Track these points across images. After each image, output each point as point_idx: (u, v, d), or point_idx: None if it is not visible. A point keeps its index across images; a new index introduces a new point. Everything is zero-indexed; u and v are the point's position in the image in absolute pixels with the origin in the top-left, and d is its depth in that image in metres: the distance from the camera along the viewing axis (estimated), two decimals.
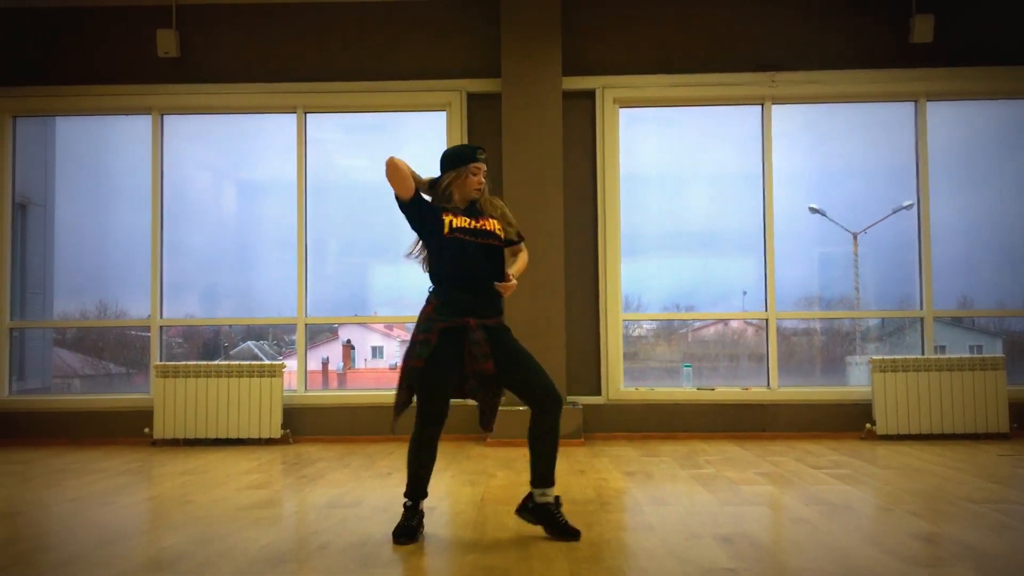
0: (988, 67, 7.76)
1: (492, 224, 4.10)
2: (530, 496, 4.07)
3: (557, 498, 4.05)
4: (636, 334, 8.27)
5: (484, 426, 4.21)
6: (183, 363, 7.71)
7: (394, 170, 4.10)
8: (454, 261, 4.00)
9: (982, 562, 3.49)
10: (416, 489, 4.06)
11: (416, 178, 4.19)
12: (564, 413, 7.22)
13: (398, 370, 4.02)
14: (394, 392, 4.12)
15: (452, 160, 4.17)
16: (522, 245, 4.34)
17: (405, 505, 4.07)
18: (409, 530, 3.96)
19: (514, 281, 4.11)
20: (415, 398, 4.01)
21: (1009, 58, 7.77)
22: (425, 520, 4.22)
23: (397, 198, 4.15)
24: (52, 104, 8.12)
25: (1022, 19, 7.80)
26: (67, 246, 8.35)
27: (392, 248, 8.26)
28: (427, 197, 4.23)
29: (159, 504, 4.99)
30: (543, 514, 4.01)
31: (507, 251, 4.25)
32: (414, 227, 4.17)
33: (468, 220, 4.05)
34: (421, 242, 4.20)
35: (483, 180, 4.13)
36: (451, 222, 4.02)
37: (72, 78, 8.06)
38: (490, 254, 4.06)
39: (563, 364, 7.51)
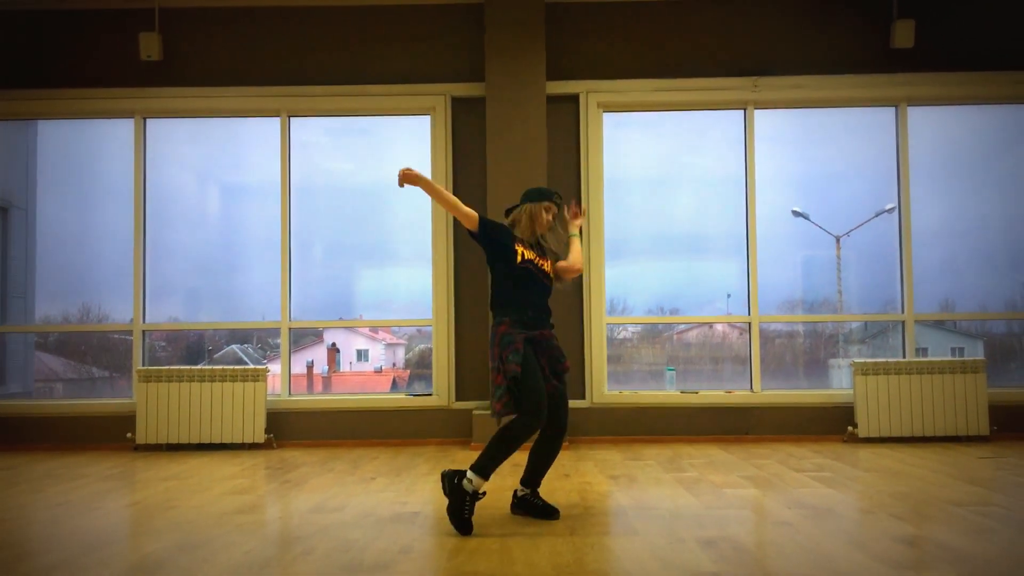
0: (968, 72, 7.83)
1: (549, 266, 4.65)
2: (515, 492, 4.70)
3: (535, 491, 4.63)
4: (620, 337, 8.29)
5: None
6: (166, 368, 7.67)
7: (452, 208, 4.64)
8: (520, 285, 4.54)
9: (964, 565, 3.52)
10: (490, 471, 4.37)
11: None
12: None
13: (496, 382, 4.42)
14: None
15: (532, 195, 4.70)
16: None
17: (476, 493, 4.31)
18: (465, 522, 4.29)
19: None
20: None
21: (989, 64, 7.84)
22: (417, 522, 4.22)
23: (467, 231, 4.68)
24: (34, 107, 8.07)
25: (1002, 25, 7.87)
26: (49, 249, 8.29)
27: (378, 251, 8.26)
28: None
29: (142, 510, 4.96)
30: (525, 504, 4.61)
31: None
32: (487, 253, 4.68)
33: (534, 255, 4.59)
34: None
35: (552, 220, 4.67)
36: (523, 254, 4.55)
37: (54, 81, 8.02)
38: (545, 288, 4.63)
39: None
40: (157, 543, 4.10)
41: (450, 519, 4.25)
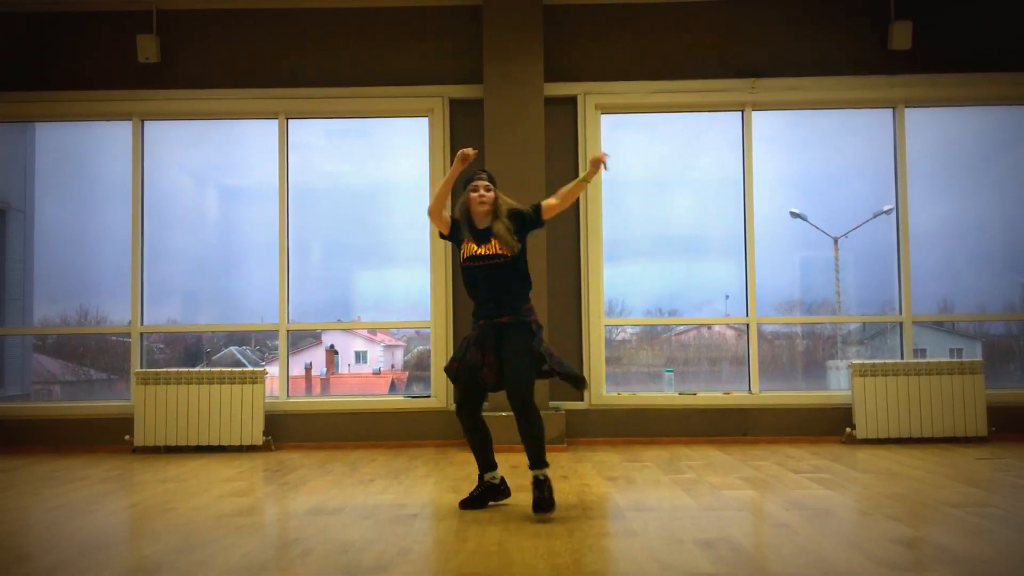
0: (965, 74, 7.84)
1: (494, 245, 4.72)
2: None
3: (536, 478, 4.67)
4: (619, 338, 8.29)
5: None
6: (164, 370, 7.67)
7: (431, 214, 4.91)
8: (467, 284, 4.85)
9: (962, 566, 3.52)
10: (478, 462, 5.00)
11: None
12: (548, 418, 7.30)
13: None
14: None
15: (463, 185, 4.88)
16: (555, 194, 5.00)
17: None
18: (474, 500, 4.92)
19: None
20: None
21: (986, 65, 7.86)
22: (415, 524, 4.22)
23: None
24: (31, 110, 8.07)
25: (998, 26, 7.88)
26: (47, 251, 8.29)
27: (376, 253, 8.27)
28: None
29: (140, 512, 4.96)
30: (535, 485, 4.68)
31: (559, 192, 4.95)
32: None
33: (476, 246, 4.72)
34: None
35: (484, 194, 4.76)
36: (463, 251, 4.77)
37: (52, 83, 8.02)
38: (497, 272, 4.74)
39: None
40: (155, 545, 4.10)
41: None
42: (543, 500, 4.57)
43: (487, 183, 4.80)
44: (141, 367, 7.93)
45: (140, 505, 5.18)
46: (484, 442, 4.92)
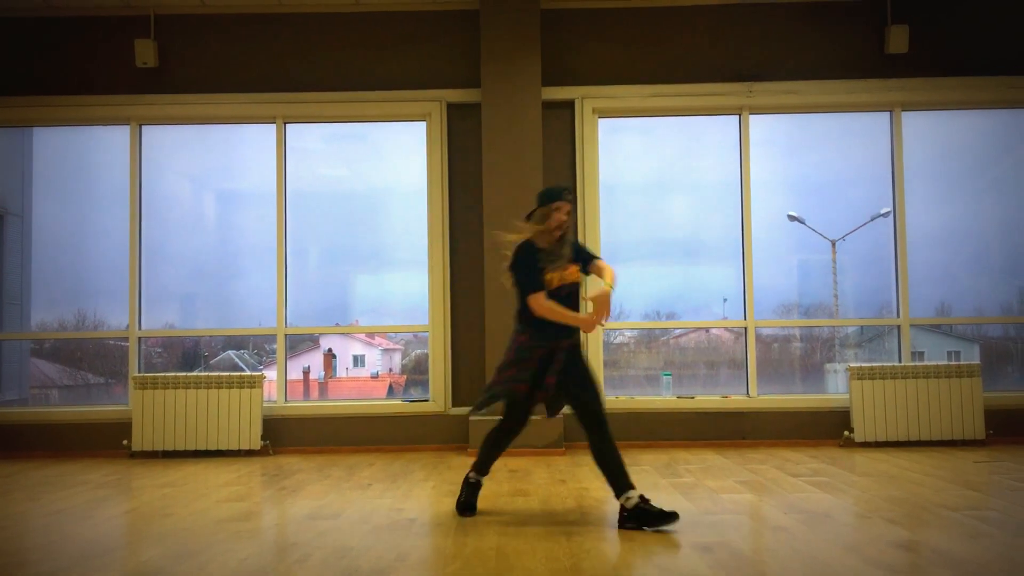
0: (962, 77, 7.85)
1: (574, 273, 4.72)
2: (621, 507, 4.49)
3: (642, 496, 4.46)
4: (617, 342, 8.29)
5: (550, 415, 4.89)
6: (161, 374, 7.67)
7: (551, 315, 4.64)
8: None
9: (960, 569, 3.52)
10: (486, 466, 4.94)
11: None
12: (545, 423, 7.30)
13: (493, 380, 4.76)
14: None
15: (541, 198, 4.73)
16: (599, 260, 4.89)
17: (467, 480, 4.92)
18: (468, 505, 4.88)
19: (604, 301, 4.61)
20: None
21: (983, 68, 7.87)
22: (413, 528, 4.20)
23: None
24: (29, 114, 8.07)
25: (995, 30, 7.90)
26: (45, 256, 8.28)
27: (374, 257, 8.26)
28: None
29: (138, 517, 4.96)
30: (637, 514, 4.40)
31: (591, 268, 4.86)
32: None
33: (559, 275, 4.64)
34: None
35: (565, 218, 4.68)
36: (550, 282, 4.63)
37: (49, 88, 8.02)
38: (572, 299, 4.73)
39: None
40: (153, 550, 4.09)
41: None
42: (664, 510, 4.41)
43: (570, 207, 4.74)
44: (139, 371, 7.93)
45: (138, 510, 5.17)
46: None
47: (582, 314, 4.64)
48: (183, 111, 8.03)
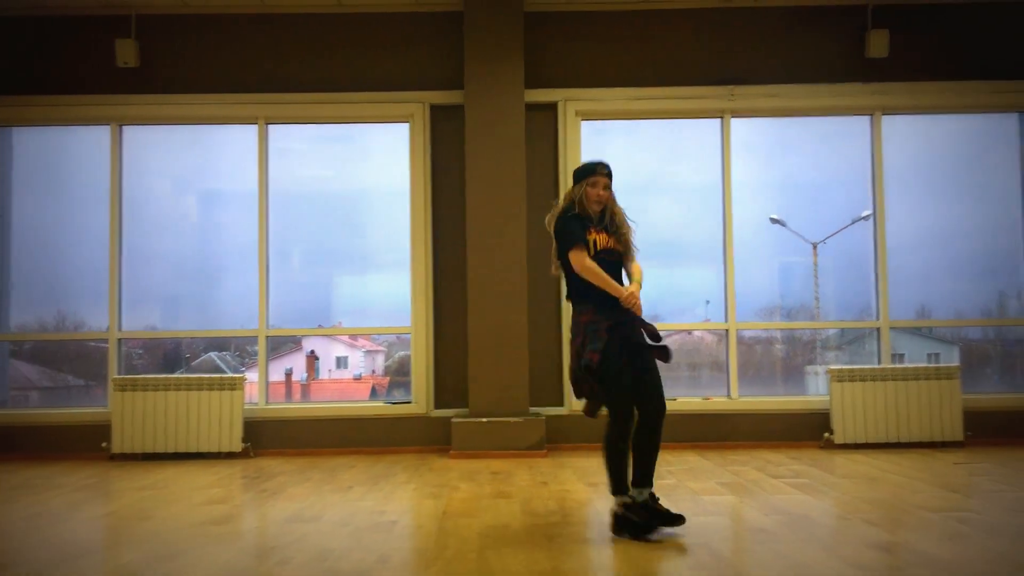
0: (942, 82, 7.91)
1: (615, 241, 4.52)
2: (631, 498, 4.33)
3: (652, 494, 4.35)
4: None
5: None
6: (141, 376, 7.62)
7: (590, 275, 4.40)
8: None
9: (938, 570, 3.55)
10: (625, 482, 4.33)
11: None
12: (528, 424, 7.30)
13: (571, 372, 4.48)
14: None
15: (576, 176, 4.57)
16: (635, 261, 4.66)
17: (626, 505, 4.28)
18: (646, 526, 4.22)
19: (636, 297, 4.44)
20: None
21: (962, 73, 7.93)
22: (395, 531, 4.19)
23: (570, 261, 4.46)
24: (8, 114, 8.00)
25: (974, 35, 7.96)
26: (25, 256, 8.19)
27: (357, 258, 8.24)
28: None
29: (117, 520, 4.93)
30: (620, 521, 4.29)
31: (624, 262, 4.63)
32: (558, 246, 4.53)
33: (606, 238, 4.47)
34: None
35: (603, 192, 4.48)
36: (595, 242, 4.43)
37: (29, 88, 7.95)
38: (619, 268, 4.55)
39: (526, 375, 7.53)
40: (133, 554, 4.07)
41: (639, 538, 4.18)
42: (671, 512, 4.33)
43: (607, 181, 4.52)
44: (119, 373, 7.87)
45: (117, 513, 5.14)
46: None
47: (620, 287, 4.38)
48: (164, 111, 7.98)
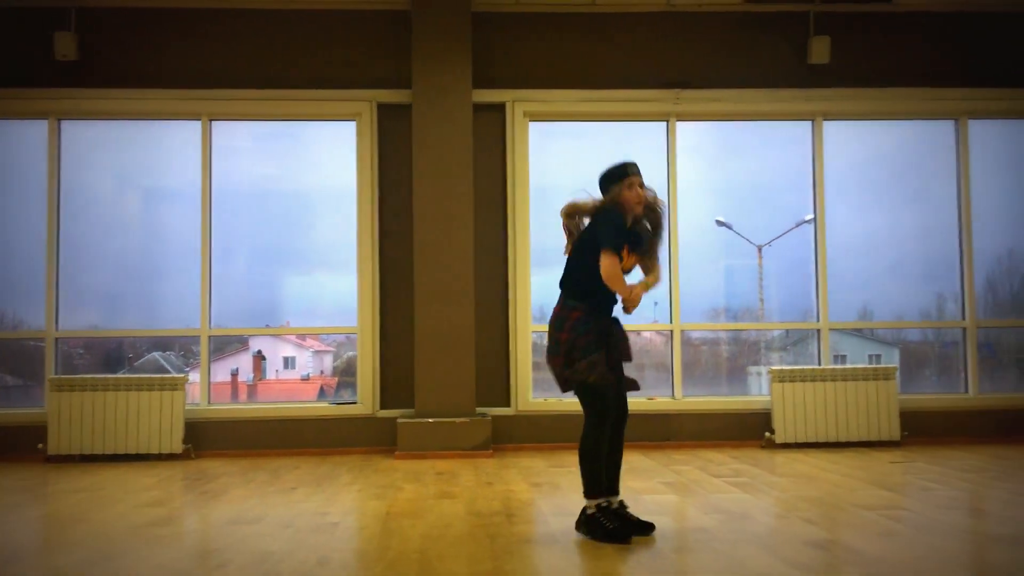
0: (881, 88, 8.08)
1: (640, 262, 4.51)
2: (584, 509, 4.32)
3: (621, 502, 4.37)
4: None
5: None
6: (79, 376, 7.47)
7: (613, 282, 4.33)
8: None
9: (871, 567, 3.63)
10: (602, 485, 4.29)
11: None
12: (474, 424, 7.30)
13: (553, 364, 4.38)
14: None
15: (611, 178, 4.44)
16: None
17: (601, 507, 4.23)
18: (621, 533, 4.14)
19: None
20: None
21: (901, 80, 8.10)
22: (336, 532, 4.16)
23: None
24: None
25: (913, 43, 8.14)
26: None
27: (305, 257, 8.16)
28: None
29: (53, 523, 4.82)
30: (591, 524, 4.25)
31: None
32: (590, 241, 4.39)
33: (633, 260, 4.45)
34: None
35: (642, 192, 4.38)
36: (625, 262, 4.38)
37: None
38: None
39: (472, 375, 7.53)
40: (66, 557, 3.99)
41: (609, 542, 4.11)
42: (643, 520, 4.32)
43: (642, 180, 4.42)
44: (56, 373, 7.70)
45: (52, 516, 5.03)
46: None
47: (629, 287, 4.33)
48: (105, 106, 7.83)
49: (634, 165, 4.42)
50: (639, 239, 4.45)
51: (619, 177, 4.38)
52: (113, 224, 8.09)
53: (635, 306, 4.35)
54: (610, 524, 4.18)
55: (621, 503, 4.37)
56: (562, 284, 4.47)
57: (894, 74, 8.12)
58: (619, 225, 4.34)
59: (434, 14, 7.68)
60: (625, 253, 4.37)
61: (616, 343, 4.40)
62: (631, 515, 4.34)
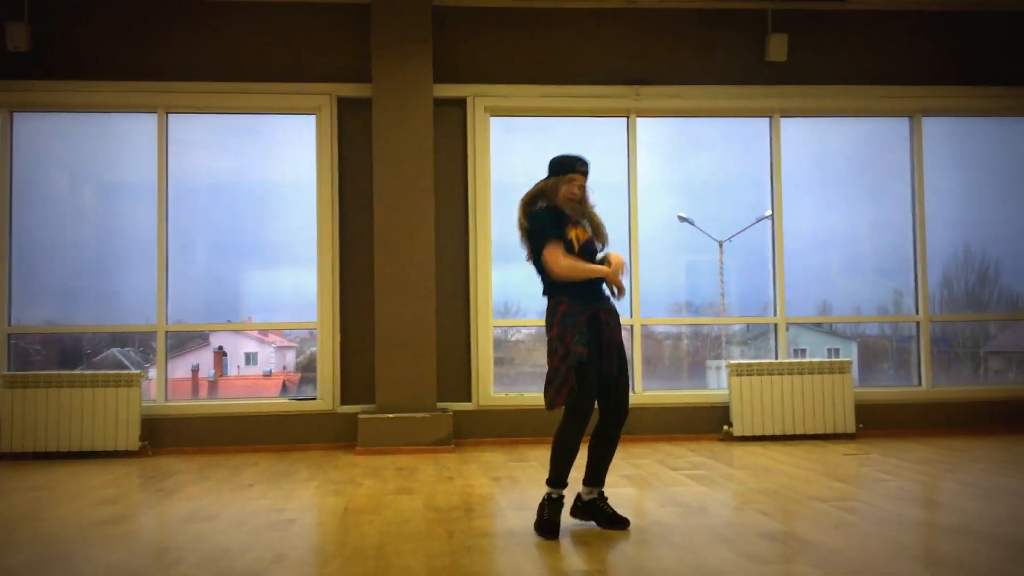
0: (837, 86, 8.17)
1: (593, 234, 4.41)
2: (578, 496, 4.41)
3: (601, 493, 4.38)
4: (515, 339, 8.34)
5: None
6: (32, 373, 7.35)
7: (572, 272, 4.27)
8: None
9: (822, 558, 3.68)
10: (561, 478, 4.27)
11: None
12: (435, 419, 7.29)
13: (552, 364, 4.24)
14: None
15: (552, 167, 4.43)
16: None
17: (551, 497, 4.22)
18: (550, 527, 4.17)
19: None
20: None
21: (857, 78, 8.21)
22: (292, 529, 4.15)
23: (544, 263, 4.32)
24: None
25: (869, 42, 8.25)
26: None
27: (265, 252, 8.09)
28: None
29: (4, 522, 4.74)
30: (592, 509, 4.34)
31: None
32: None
33: (584, 233, 4.35)
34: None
35: (577, 192, 4.35)
36: (576, 238, 4.29)
37: None
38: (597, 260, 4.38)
39: (433, 370, 7.52)
40: (17, 556, 3.93)
41: (536, 530, 4.19)
42: (618, 515, 4.34)
43: (584, 181, 4.40)
44: (9, 369, 7.57)
45: (4, 514, 4.94)
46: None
47: (603, 266, 4.26)
48: (58, 98, 7.70)
49: (583, 163, 4.41)
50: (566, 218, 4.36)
51: (564, 170, 4.37)
52: (68, 218, 7.96)
53: (616, 277, 4.27)
54: (545, 515, 4.19)
55: (600, 494, 4.37)
56: (544, 293, 4.42)
57: (850, 72, 8.23)
58: (539, 217, 4.30)
59: (395, 8, 7.64)
60: (573, 231, 4.30)
61: (608, 327, 4.29)
62: (607, 508, 4.35)
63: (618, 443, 4.41)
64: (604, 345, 4.24)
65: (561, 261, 4.21)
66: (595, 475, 4.38)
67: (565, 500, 4.27)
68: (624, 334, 8.17)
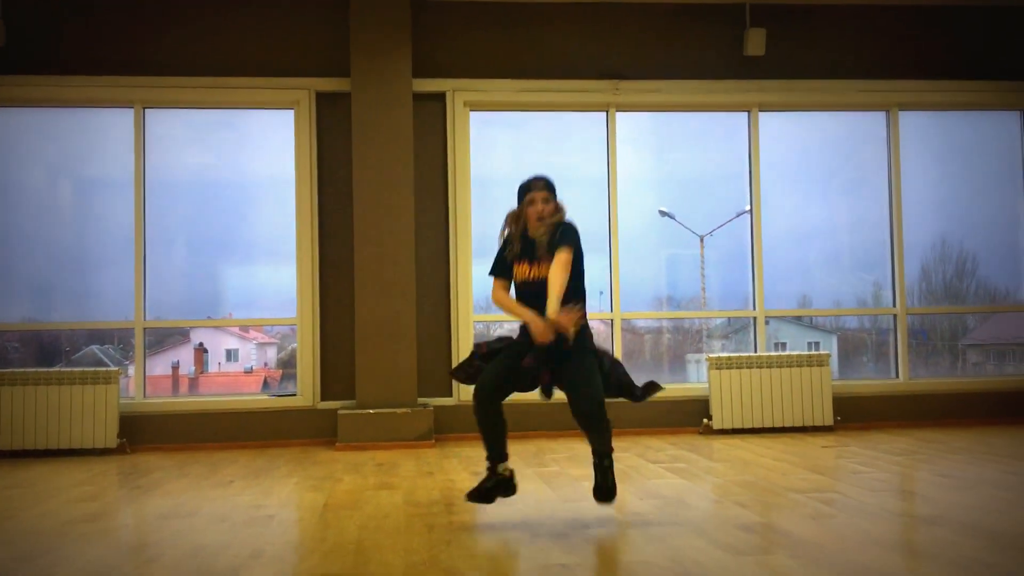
0: (815, 80, 8.22)
1: (544, 269, 4.28)
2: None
3: (597, 461, 4.48)
4: (499, 334, 8.32)
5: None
6: (9, 370, 7.29)
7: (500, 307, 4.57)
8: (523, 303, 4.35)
9: (800, 549, 3.70)
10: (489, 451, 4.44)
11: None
12: (415, 415, 7.27)
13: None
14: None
15: (518, 194, 4.44)
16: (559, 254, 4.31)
17: (491, 469, 4.42)
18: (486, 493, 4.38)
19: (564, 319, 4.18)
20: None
21: (835, 72, 8.25)
22: (271, 525, 4.14)
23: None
24: None
25: (846, 36, 8.29)
26: None
27: (244, 248, 8.06)
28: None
29: None
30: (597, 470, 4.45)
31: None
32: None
33: (527, 268, 4.36)
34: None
35: (541, 208, 4.34)
36: (516, 274, 4.41)
37: None
38: (540, 296, 4.21)
39: (414, 366, 7.51)
40: None
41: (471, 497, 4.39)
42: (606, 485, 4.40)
43: (545, 194, 4.37)
44: None
45: None
46: (504, 430, 4.48)
47: (536, 316, 4.13)
48: (34, 93, 7.64)
49: (536, 179, 4.41)
50: (531, 246, 4.36)
51: (521, 195, 4.40)
52: (45, 214, 7.91)
53: (541, 333, 4.12)
54: (487, 483, 4.38)
55: (597, 462, 4.51)
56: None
57: (828, 66, 8.27)
58: (499, 249, 4.49)
59: (373, 2, 7.61)
60: (516, 266, 4.40)
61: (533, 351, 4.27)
62: (598, 472, 4.45)
63: (600, 428, 4.50)
64: (523, 362, 4.29)
65: (493, 296, 4.53)
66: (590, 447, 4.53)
67: (497, 473, 4.38)
68: (604, 328, 8.27)
